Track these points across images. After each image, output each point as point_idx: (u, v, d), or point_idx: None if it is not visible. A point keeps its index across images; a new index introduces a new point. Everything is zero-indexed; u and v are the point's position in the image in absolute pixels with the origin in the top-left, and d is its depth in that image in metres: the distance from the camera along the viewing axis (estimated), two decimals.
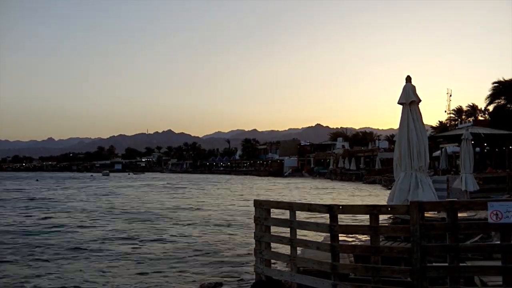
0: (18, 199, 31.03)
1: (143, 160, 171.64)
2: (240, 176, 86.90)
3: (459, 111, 55.15)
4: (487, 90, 37.88)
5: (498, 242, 5.18)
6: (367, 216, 5.64)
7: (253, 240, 7.06)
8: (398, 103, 7.68)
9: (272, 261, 7.03)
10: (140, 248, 12.63)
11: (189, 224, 17.37)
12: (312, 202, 13.23)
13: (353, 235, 8.85)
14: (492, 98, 37.38)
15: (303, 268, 6.33)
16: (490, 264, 5.45)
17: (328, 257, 5.82)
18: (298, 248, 6.62)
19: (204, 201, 28.40)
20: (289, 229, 6.38)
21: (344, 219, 11.68)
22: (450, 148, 29.24)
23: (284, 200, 15.54)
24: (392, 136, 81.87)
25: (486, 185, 16.05)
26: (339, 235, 5.92)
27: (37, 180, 70.99)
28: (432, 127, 56.06)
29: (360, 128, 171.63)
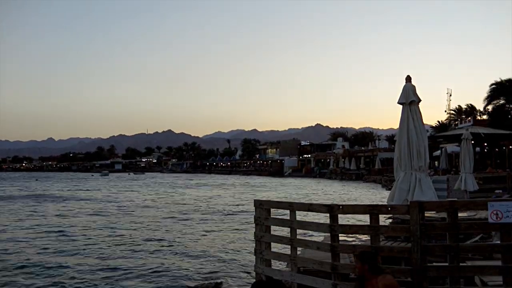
0: None
1: (143, 160, 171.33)
2: (243, 176, 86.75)
3: (459, 111, 55.10)
4: (486, 90, 37.90)
5: (498, 242, 5.18)
6: (368, 216, 5.65)
7: None
8: (398, 103, 7.66)
9: (272, 261, 7.02)
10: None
11: None
12: (313, 202, 13.21)
13: (353, 235, 8.86)
14: (490, 98, 37.42)
15: (304, 268, 6.33)
16: (490, 264, 5.44)
17: (329, 257, 5.82)
18: (298, 248, 6.61)
19: None
20: (289, 229, 6.38)
21: (345, 219, 11.66)
22: (450, 148, 29.17)
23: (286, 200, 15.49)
24: (392, 136, 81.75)
25: (486, 185, 16.05)
26: (339, 235, 5.92)
27: (34, 180, 70.55)
28: (431, 127, 56.00)
29: (360, 128, 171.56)
